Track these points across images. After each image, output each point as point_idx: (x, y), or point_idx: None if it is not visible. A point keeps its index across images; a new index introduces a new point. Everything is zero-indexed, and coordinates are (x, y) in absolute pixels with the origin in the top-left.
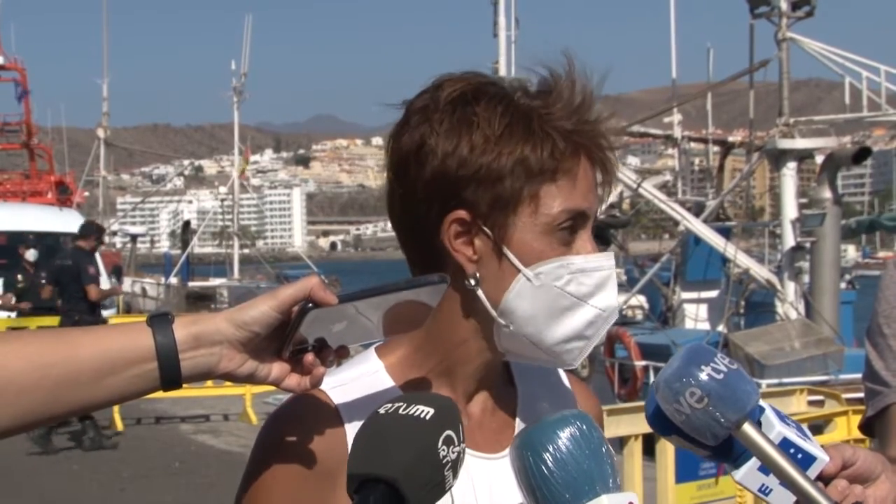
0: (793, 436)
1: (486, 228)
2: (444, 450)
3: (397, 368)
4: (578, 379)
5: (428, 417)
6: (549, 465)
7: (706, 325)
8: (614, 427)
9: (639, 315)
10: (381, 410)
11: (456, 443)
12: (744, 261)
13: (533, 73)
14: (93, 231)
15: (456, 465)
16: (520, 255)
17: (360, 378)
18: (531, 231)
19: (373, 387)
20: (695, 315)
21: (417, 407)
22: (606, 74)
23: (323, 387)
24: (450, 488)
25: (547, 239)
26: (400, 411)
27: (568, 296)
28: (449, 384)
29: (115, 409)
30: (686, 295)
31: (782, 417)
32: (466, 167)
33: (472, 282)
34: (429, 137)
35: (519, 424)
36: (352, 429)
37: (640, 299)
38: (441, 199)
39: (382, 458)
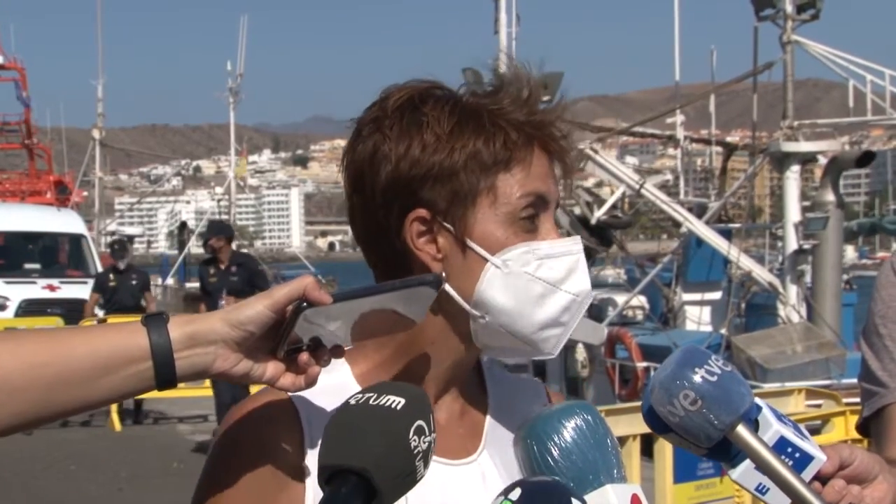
0: (790, 435)
1: (447, 224)
2: (415, 440)
3: (366, 374)
4: (554, 390)
5: (399, 407)
6: (554, 454)
7: (707, 327)
8: (612, 427)
9: (639, 315)
10: (352, 401)
11: (427, 433)
12: (747, 263)
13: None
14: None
15: (427, 456)
16: (484, 247)
17: (324, 381)
18: (493, 222)
19: (337, 392)
20: (696, 316)
21: (388, 397)
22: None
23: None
24: (421, 478)
25: (511, 228)
26: (371, 402)
27: (540, 282)
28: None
29: (114, 408)
30: (687, 296)
31: (779, 416)
32: (420, 166)
33: None
34: (381, 144)
35: (488, 431)
36: (310, 431)
37: (641, 300)
38: (400, 202)
39: (354, 449)
